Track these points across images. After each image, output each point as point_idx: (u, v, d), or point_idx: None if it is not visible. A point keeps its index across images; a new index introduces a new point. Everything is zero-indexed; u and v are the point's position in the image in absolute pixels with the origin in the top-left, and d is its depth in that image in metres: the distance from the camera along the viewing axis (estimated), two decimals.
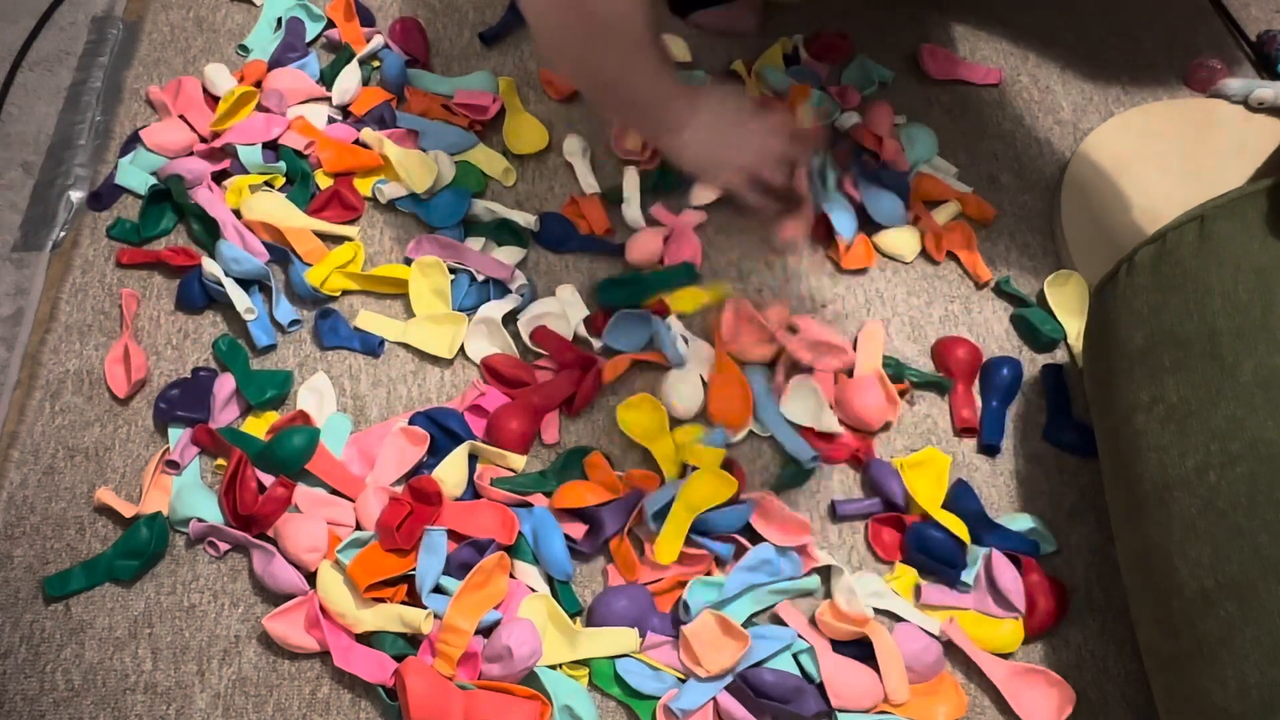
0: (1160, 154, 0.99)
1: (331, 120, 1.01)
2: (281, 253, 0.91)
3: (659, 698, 0.71)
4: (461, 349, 0.87)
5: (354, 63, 1.03)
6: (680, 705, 0.70)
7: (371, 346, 0.87)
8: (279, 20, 1.09)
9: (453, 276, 0.90)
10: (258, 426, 0.83)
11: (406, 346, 0.88)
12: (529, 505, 0.78)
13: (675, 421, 0.83)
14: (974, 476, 0.82)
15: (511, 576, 0.76)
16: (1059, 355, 0.89)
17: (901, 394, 0.85)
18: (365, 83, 1.03)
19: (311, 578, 0.75)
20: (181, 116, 1.00)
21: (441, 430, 0.81)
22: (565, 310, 0.88)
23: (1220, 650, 0.56)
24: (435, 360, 0.87)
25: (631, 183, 0.95)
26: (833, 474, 0.82)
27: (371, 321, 0.89)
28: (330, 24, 1.09)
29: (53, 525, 0.80)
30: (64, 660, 0.74)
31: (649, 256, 0.91)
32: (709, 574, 0.76)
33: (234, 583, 0.77)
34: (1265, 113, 1.02)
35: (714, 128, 0.76)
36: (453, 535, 0.76)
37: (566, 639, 0.73)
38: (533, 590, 0.75)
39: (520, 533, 0.76)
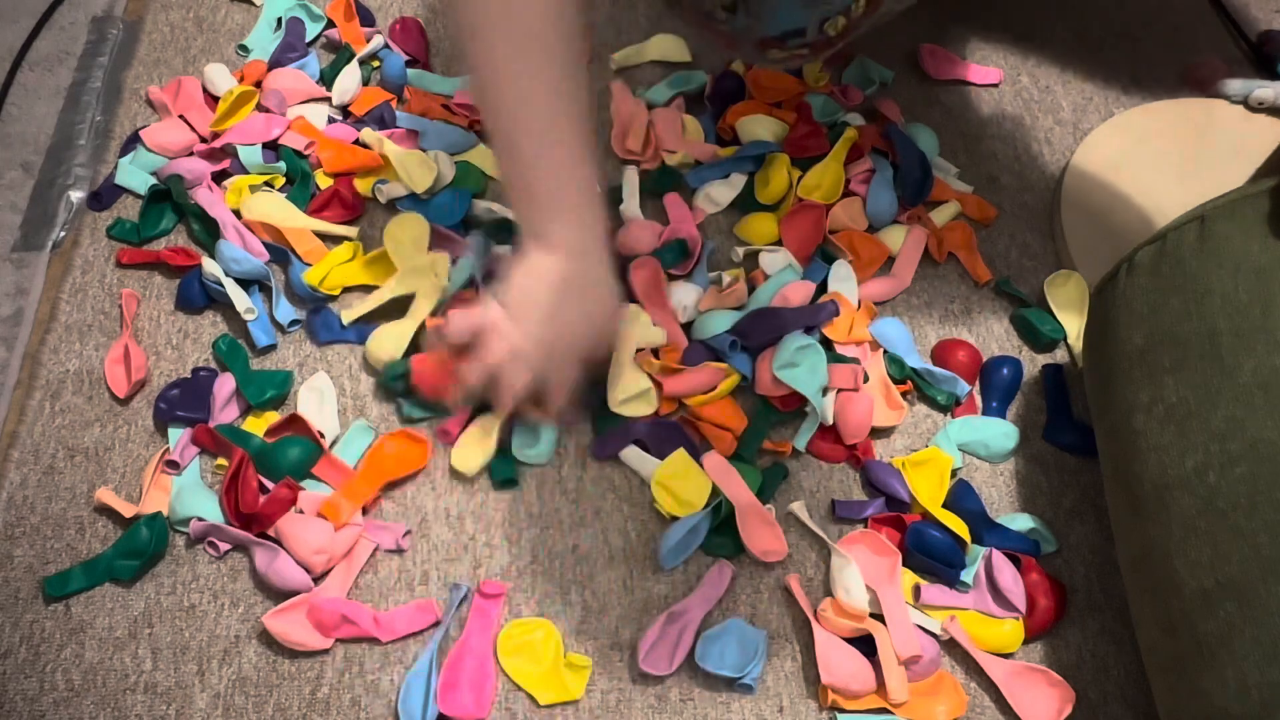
0: (1160, 154, 0.99)
1: (331, 120, 1.01)
2: (281, 253, 0.91)
3: None
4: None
5: (354, 63, 1.03)
6: None
7: (366, 337, 0.87)
8: (279, 20, 1.09)
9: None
10: (258, 427, 0.83)
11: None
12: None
13: None
14: (974, 476, 0.82)
15: None
16: (1059, 355, 0.89)
17: (904, 394, 0.85)
18: (365, 83, 1.03)
19: (317, 578, 0.75)
20: (181, 116, 1.00)
21: None
22: None
23: (1220, 650, 0.56)
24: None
25: (631, 182, 0.95)
26: (833, 474, 0.82)
27: (358, 310, 0.88)
28: (330, 24, 1.09)
29: (53, 525, 0.80)
30: (64, 660, 0.74)
31: (642, 249, 0.91)
32: None
33: (234, 583, 0.77)
34: (1265, 113, 1.02)
35: (558, 291, 0.67)
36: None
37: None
38: None
39: None
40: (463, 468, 0.80)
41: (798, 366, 0.81)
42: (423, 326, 0.86)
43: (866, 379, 0.84)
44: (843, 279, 0.89)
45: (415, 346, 0.86)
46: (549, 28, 0.64)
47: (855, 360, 0.84)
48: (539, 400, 0.74)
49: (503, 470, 0.80)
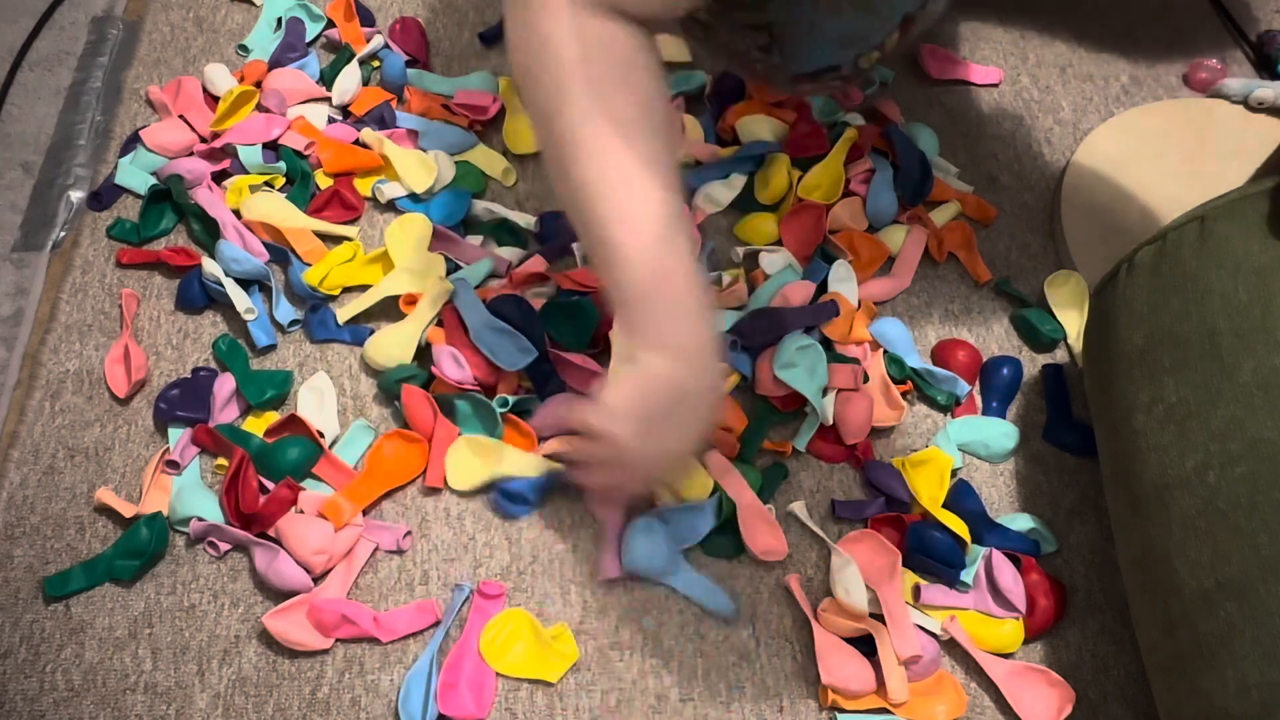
0: (1160, 154, 0.99)
1: (331, 120, 1.01)
2: (281, 253, 0.91)
3: None
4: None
5: (354, 63, 1.03)
6: None
7: (362, 336, 0.87)
8: (279, 20, 1.09)
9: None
10: (258, 427, 0.83)
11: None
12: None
13: None
14: (974, 476, 0.82)
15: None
16: (1059, 355, 0.89)
17: (904, 394, 0.85)
18: (365, 83, 1.03)
19: (316, 578, 0.75)
20: (181, 116, 1.00)
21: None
22: None
23: (1220, 650, 0.56)
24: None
25: None
26: (833, 474, 0.82)
27: (352, 308, 0.89)
28: (330, 24, 1.09)
29: (53, 525, 0.80)
30: (64, 660, 0.74)
31: None
32: None
33: (234, 583, 0.77)
34: (1265, 113, 1.02)
35: (664, 395, 0.61)
36: None
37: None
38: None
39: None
40: (458, 484, 0.80)
41: (798, 366, 0.81)
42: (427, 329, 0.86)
43: (866, 379, 0.84)
44: (842, 279, 0.89)
45: (420, 353, 0.86)
46: (643, 109, 0.60)
47: (855, 360, 0.84)
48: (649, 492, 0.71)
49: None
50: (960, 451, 0.83)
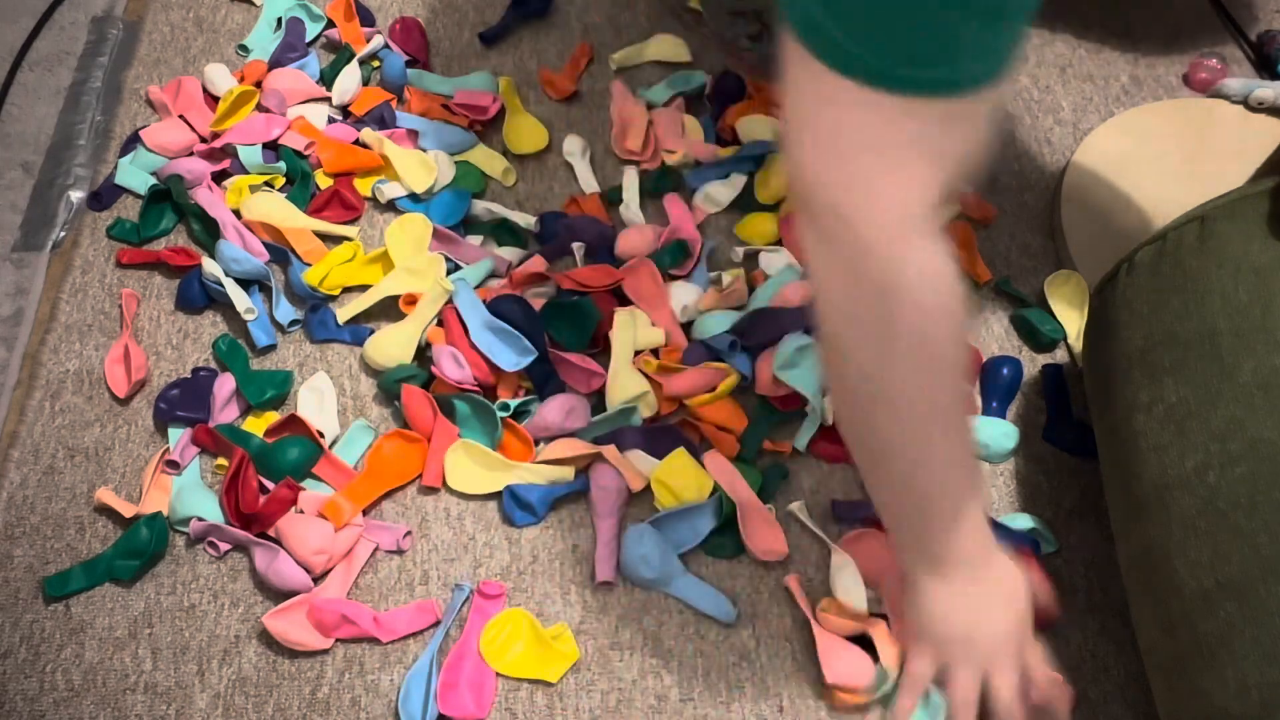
0: (1160, 154, 0.99)
1: (331, 120, 1.01)
2: (281, 253, 0.91)
3: None
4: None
5: (354, 63, 1.03)
6: None
7: (362, 336, 0.87)
8: (279, 20, 1.09)
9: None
10: (258, 427, 0.83)
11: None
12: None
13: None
14: None
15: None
16: (1059, 355, 0.89)
17: None
18: (365, 83, 1.03)
19: (316, 578, 0.75)
20: (181, 116, 1.00)
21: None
22: None
23: (1220, 650, 0.56)
24: None
25: (631, 183, 0.95)
26: (833, 474, 0.82)
27: (352, 308, 0.89)
28: (330, 24, 1.09)
29: (53, 525, 0.80)
30: (64, 660, 0.74)
31: (639, 252, 0.90)
32: None
33: (234, 583, 0.77)
34: (1265, 113, 1.02)
35: (972, 596, 0.63)
36: None
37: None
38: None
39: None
40: (457, 486, 0.80)
41: (798, 367, 0.81)
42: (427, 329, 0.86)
43: None
44: None
45: (420, 353, 0.86)
46: (957, 357, 0.55)
47: None
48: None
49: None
50: None
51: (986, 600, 0.64)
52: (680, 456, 0.79)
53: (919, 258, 0.50)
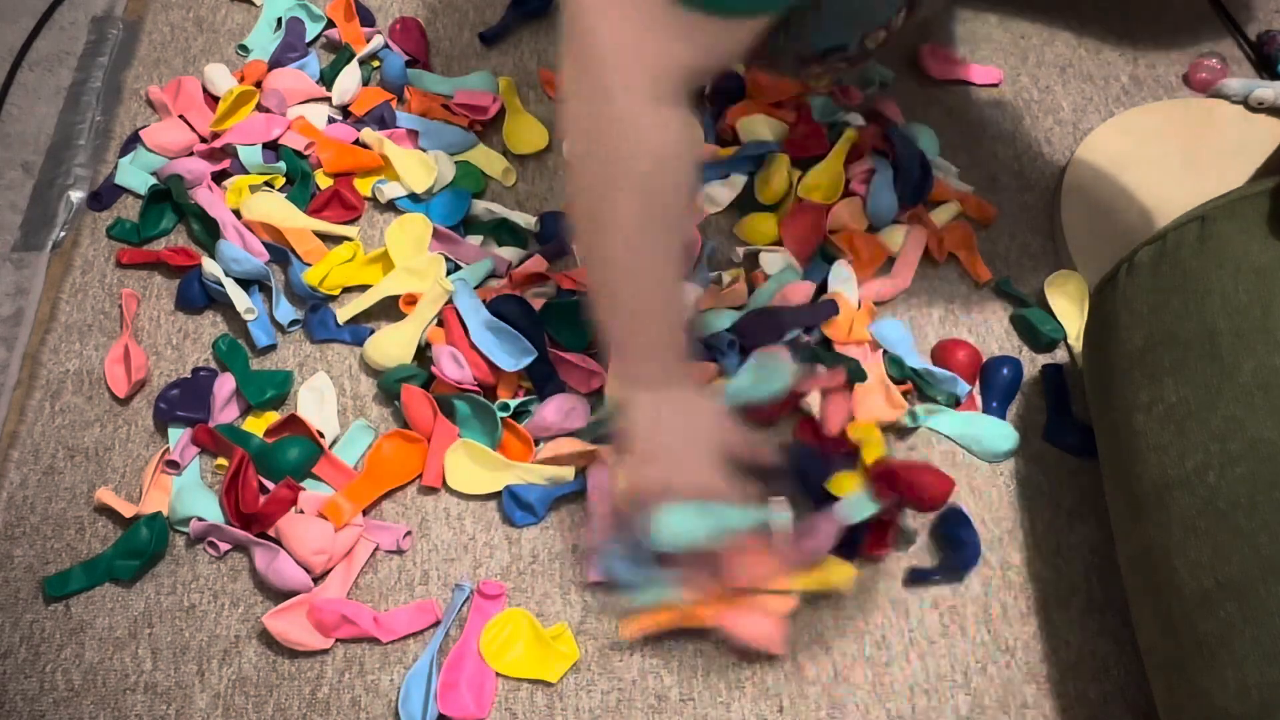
0: (1160, 154, 0.99)
1: (331, 120, 1.01)
2: (281, 253, 0.91)
3: None
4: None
5: (354, 63, 1.03)
6: None
7: (362, 336, 0.87)
8: (279, 20, 1.09)
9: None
10: (258, 427, 0.83)
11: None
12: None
13: None
14: (974, 476, 0.82)
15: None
16: (1059, 355, 0.89)
17: (904, 395, 0.85)
18: (365, 83, 1.03)
19: (316, 578, 0.75)
20: (181, 116, 1.00)
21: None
22: None
23: (1220, 650, 0.56)
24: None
25: None
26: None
27: (352, 308, 0.89)
28: (330, 24, 1.09)
29: (53, 525, 0.80)
30: (64, 660, 0.74)
31: None
32: None
33: (234, 583, 0.77)
34: (1265, 113, 1.02)
35: (675, 412, 0.70)
36: None
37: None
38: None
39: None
40: (458, 486, 0.80)
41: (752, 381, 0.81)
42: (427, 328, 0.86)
43: (864, 377, 0.84)
44: (843, 279, 0.89)
45: (420, 353, 0.86)
46: (675, 201, 0.66)
47: (855, 361, 0.83)
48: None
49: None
50: (958, 446, 0.83)
51: (686, 416, 0.71)
52: None
53: (658, 113, 0.61)
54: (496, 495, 0.80)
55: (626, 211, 0.63)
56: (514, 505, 0.79)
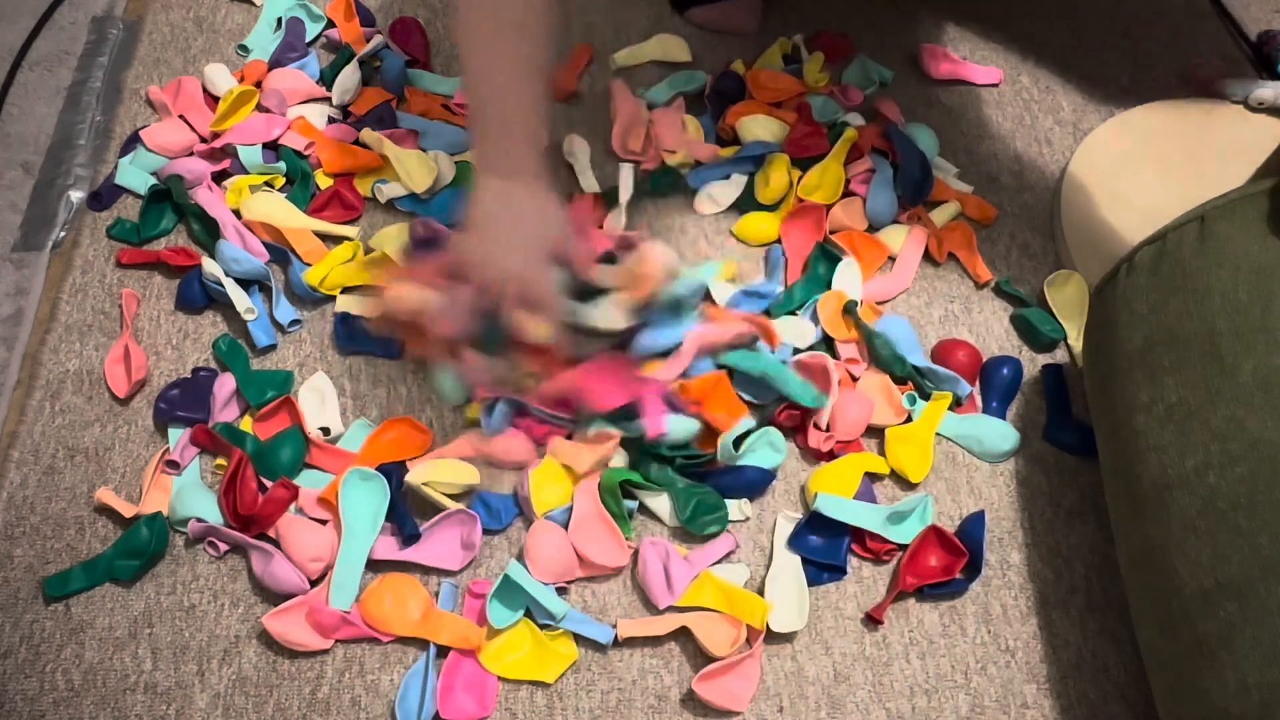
0: (1160, 154, 0.99)
1: (331, 120, 1.01)
2: (281, 253, 0.91)
3: None
4: None
5: (354, 63, 1.03)
6: None
7: (392, 350, 0.87)
8: (279, 20, 1.09)
9: None
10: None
11: None
12: None
13: None
14: (974, 476, 0.82)
15: None
16: (1059, 355, 0.89)
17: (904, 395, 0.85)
18: (365, 83, 1.03)
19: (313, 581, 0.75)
20: (181, 116, 1.00)
21: None
22: None
23: (1220, 650, 0.56)
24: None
25: (626, 181, 0.95)
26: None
27: (351, 304, 0.89)
28: (330, 24, 1.09)
29: (53, 525, 0.80)
30: (64, 660, 0.74)
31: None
32: None
33: (234, 583, 0.77)
34: (1265, 113, 1.02)
35: (516, 203, 0.73)
36: None
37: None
38: None
39: None
40: (435, 478, 0.80)
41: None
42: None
43: (854, 380, 0.84)
44: (847, 278, 0.89)
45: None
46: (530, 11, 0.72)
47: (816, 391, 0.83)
48: (531, 306, 0.73)
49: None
50: (958, 445, 0.83)
51: (525, 204, 0.73)
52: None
53: None
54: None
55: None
56: (485, 512, 0.78)
